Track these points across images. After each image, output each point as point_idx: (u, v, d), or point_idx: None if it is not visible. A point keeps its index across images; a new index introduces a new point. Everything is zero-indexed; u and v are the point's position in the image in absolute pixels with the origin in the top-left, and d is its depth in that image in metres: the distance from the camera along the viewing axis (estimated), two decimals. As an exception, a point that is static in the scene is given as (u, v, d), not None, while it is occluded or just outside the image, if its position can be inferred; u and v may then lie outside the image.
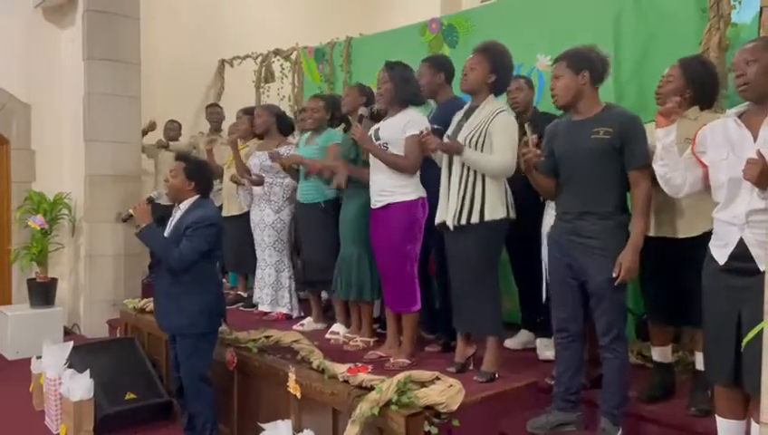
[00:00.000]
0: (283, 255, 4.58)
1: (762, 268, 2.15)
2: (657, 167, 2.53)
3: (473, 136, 3.12)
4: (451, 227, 3.13)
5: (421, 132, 3.26)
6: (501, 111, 3.14)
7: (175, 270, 3.28)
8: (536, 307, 3.55)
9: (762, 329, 1.53)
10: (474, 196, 3.10)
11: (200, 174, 3.43)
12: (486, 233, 3.12)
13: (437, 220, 3.25)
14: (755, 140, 2.19)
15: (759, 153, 2.06)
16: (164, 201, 3.64)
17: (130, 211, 3.41)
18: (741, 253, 2.21)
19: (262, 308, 4.64)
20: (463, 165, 3.13)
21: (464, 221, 3.10)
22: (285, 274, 4.59)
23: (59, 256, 6.05)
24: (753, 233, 2.17)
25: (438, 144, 3.16)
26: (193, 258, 3.24)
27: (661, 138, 2.48)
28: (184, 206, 3.38)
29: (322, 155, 4.06)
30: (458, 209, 3.12)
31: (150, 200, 3.47)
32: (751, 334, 1.41)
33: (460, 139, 3.14)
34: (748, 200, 2.19)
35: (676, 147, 2.48)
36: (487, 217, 3.09)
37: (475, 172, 3.11)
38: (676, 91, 2.86)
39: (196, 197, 3.40)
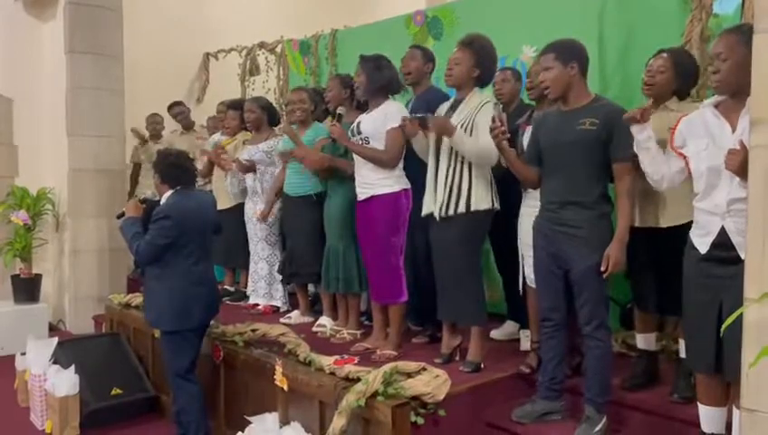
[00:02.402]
0: (276, 248, 4.57)
1: (743, 256, 2.18)
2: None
3: (461, 126, 3.12)
4: (438, 218, 3.14)
5: (403, 120, 3.26)
6: (487, 102, 3.16)
7: (141, 263, 3.32)
8: (521, 298, 3.56)
9: (740, 316, 1.55)
10: (461, 186, 3.11)
11: (160, 166, 3.40)
12: (471, 223, 3.14)
13: (424, 212, 3.26)
14: (734, 130, 2.21)
15: (741, 143, 2.08)
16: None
17: (124, 209, 3.50)
18: (722, 242, 2.24)
19: (256, 301, 4.62)
20: (450, 155, 3.13)
21: (451, 212, 3.11)
22: (278, 267, 4.58)
23: (43, 251, 5.99)
24: (735, 222, 2.19)
25: (433, 123, 3.09)
26: (149, 251, 3.22)
27: (635, 135, 2.52)
28: (162, 200, 3.38)
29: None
30: (445, 200, 3.13)
31: (143, 200, 3.50)
32: (729, 320, 1.43)
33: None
34: (728, 189, 2.21)
35: (652, 141, 2.50)
36: (473, 208, 3.10)
37: (462, 162, 3.12)
38: (668, 82, 2.89)
39: (173, 190, 3.36)
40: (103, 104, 5.71)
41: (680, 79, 2.89)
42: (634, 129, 2.52)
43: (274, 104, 5.33)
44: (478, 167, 3.13)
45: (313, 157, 3.76)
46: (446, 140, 3.14)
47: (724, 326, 1.55)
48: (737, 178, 2.16)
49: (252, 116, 4.60)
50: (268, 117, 4.66)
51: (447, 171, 3.14)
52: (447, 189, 3.13)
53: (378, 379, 2.74)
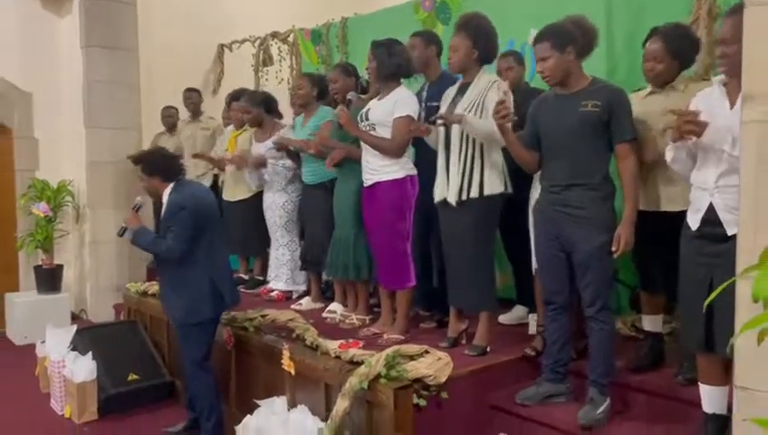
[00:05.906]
0: (294, 234, 4.61)
1: (730, 233, 2.16)
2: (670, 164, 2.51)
3: (470, 109, 3.12)
4: (453, 203, 3.14)
5: (415, 128, 3.25)
6: (495, 81, 3.15)
7: (171, 260, 3.30)
8: (530, 283, 3.55)
9: (725, 291, 1.53)
10: (473, 170, 3.11)
11: (156, 164, 3.41)
12: (485, 208, 3.14)
13: (436, 199, 3.26)
14: (732, 106, 2.19)
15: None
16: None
17: (124, 224, 3.47)
18: (711, 218, 2.23)
19: (277, 286, 4.63)
20: (462, 141, 3.12)
21: (464, 196, 3.11)
22: (298, 253, 4.59)
23: (64, 242, 6.14)
24: (723, 198, 2.18)
25: (441, 116, 3.12)
26: (180, 244, 3.23)
27: (667, 156, 2.49)
28: (164, 198, 3.38)
29: None
30: (460, 185, 3.12)
31: (137, 208, 3.52)
32: (713, 295, 1.41)
33: (457, 112, 3.13)
34: (717, 165, 2.19)
35: (679, 152, 2.43)
36: (486, 192, 3.10)
37: (475, 147, 3.11)
38: (667, 69, 2.83)
39: (171, 185, 3.38)
40: (119, 97, 5.81)
41: (678, 60, 2.85)
42: (666, 155, 2.48)
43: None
44: (490, 151, 3.12)
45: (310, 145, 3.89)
46: (455, 127, 3.13)
47: (706, 302, 1.54)
48: (726, 154, 2.14)
49: (248, 117, 4.62)
50: (267, 109, 4.67)
51: (460, 157, 3.14)
52: (460, 175, 3.12)
53: (380, 362, 2.77)
